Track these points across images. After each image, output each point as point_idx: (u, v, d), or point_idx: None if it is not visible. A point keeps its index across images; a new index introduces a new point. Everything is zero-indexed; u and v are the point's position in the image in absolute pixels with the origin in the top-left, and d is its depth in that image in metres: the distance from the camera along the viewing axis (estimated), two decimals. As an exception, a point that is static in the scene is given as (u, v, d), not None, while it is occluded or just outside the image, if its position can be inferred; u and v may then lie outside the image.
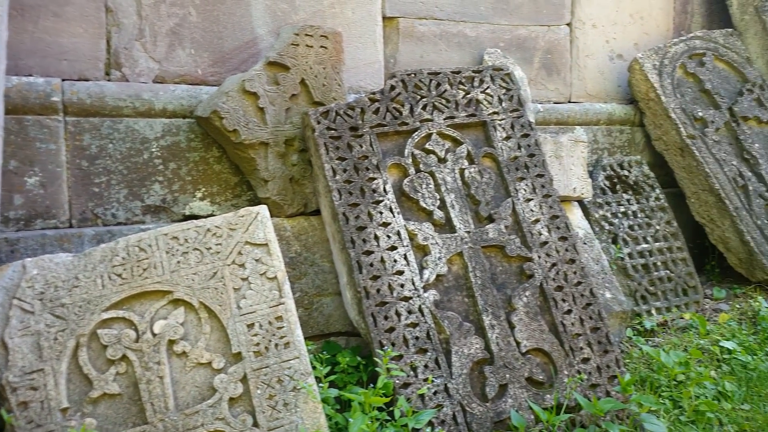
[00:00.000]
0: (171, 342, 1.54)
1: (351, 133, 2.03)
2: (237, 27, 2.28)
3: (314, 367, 1.61)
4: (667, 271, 2.88)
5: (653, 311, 2.77)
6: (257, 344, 1.56)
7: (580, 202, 2.88)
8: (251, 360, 1.55)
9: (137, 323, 1.54)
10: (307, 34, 2.12)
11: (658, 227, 2.96)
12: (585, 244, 2.71)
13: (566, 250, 2.18)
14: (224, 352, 1.57)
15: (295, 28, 2.13)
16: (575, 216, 2.77)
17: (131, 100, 2.03)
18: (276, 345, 1.57)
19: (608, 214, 2.89)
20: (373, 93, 2.14)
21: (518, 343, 1.94)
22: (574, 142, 2.73)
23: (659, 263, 2.87)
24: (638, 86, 3.13)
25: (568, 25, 3.12)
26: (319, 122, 1.99)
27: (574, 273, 2.16)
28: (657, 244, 2.92)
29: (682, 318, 2.77)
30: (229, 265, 1.63)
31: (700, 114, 3.08)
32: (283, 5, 2.31)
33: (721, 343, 2.49)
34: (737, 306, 2.84)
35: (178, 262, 1.60)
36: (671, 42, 3.22)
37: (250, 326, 1.58)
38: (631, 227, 2.90)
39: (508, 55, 2.90)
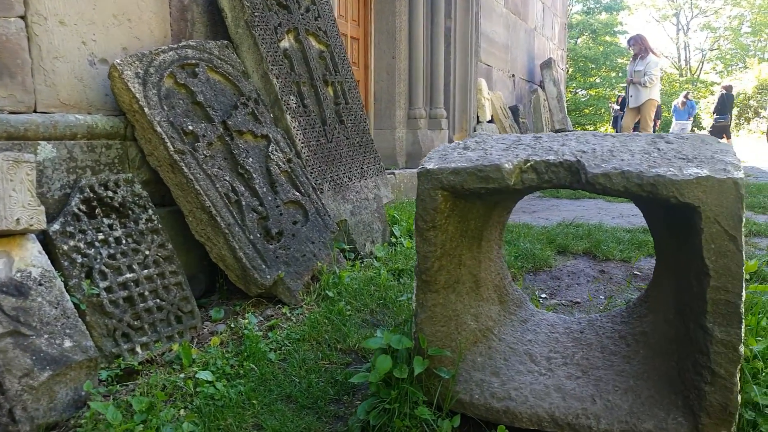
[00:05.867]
0: None
1: None
2: None
3: None
4: (158, 300, 2.63)
5: (138, 348, 2.48)
6: None
7: (46, 233, 2.40)
8: None
9: None
10: None
11: (147, 252, 2.69)
12: (41, 285, 2.24)
13: (-49, 310, 1.66)
14: None
15: None
16: (28, 253, 2.27)
17: None
18: None
19: (82, 245, 2.48)
20: None
21: None
22: (14, 162, 2.22)
23: (147, 293, 2.61)
24: (122, 96, 2.81)
25: (22, 18, 2.58)
26: None
27: (-37, 340, 1.65)
28: (146, 271, 2.65)
29: (171, 350, 2.56)
30: None
31: (191, 128, 2.94)
32: None
33: (198, 375, 2.34)
34: (232, 325, 2.78)
35: None
36: (159, 49, 3.00)
37: None
38: (112, 256, 2.56)
39: None
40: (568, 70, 23.11)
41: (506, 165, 1.87)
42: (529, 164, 1.90)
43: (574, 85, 28.29)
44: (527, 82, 10.70)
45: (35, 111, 2.63)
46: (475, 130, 8.03)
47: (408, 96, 7.20)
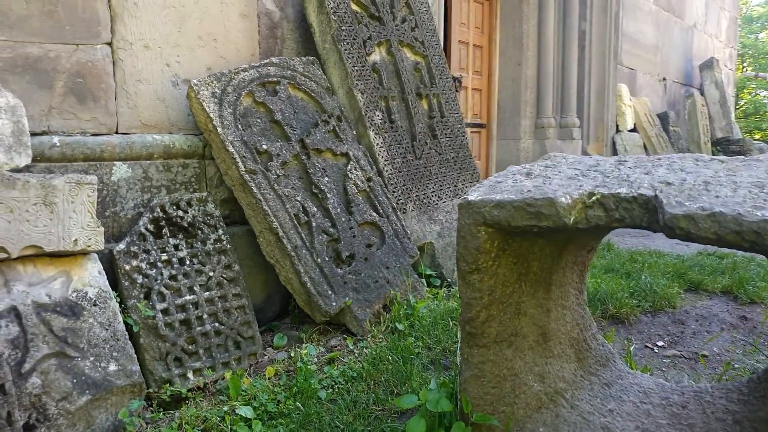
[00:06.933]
0: None
1: None
2: None
3: None
4: (216, 324, 2.57)
5: (190, 374, 2.44)
6: None
7: (112, 252, 2.45)
8: None
9: None
10: None
11: (211, 273, 2.65)
12: (96, 306, 2.27)
13: (-26, 336, 1.68)
14: None
15: None
16: (87, 273, 2.31)
17: None
18: None
19: (144, 265, 2.49)
20: None
21: None
22: (76, 184, 2.27)
23: (206, 315, 2.56)
24: (198, 116, 2.82)
25: (108, 44, 2.67)
26: None
27: (-19, 366, 1.67)
28: (207, 293, 2.60)
29: (224, 378, 2.48)
30: None
31: (265, 147, 2.87)
32: None
33: (238, 410, 2.23)
34: (291, 355, 2.65)
35: None
36: (240, 68, 2.98)
37: None
38: (173, 277, 2.54)
39: (11, 78, 2.36)
40: (745, 69, 20.45)
41: (562, 199, 1.50)
42: (594, 198, 1.51)
43: (753, 86, 25.00)
44: (683, 85, 9.52)
45: (117, 132, 2.72)
46: (613, 141, 7.27)
47: (535, 104, 6.71)
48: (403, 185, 3.31)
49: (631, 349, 2.55)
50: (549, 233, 1.64)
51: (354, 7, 3.39)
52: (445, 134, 3.68)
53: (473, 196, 1.65)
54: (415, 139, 3.49)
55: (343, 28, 3.27)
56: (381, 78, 3.41)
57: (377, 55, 3.47)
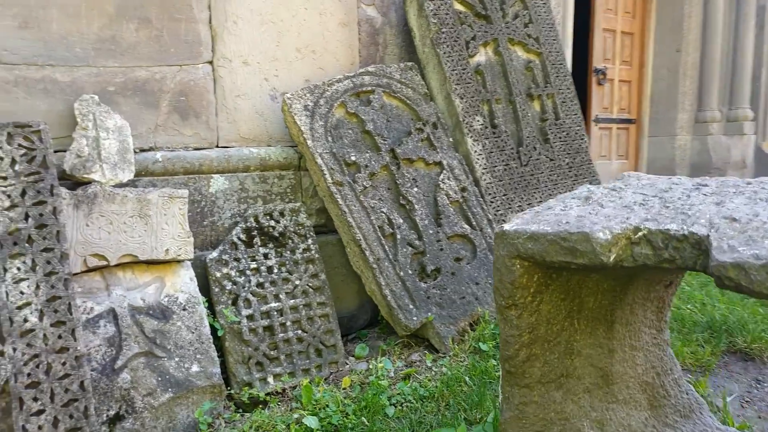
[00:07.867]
0: None
1: None
2: None
3: None
4: (299, 331, 2.65)
5: (270, 378, 2.54)
6: None
7: (206, 261, 2.64)
8: None
9: None
10: None
11: (298, 282, 2.73)
12: (185, 310, 2.46)
13: (59, 337, 1.91)
14: None
15: None
16: (179, 279, 2.51)
17: None
18: None
19: (233, 272, 2.64)
20: None
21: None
22: (169, 198, 2.47)
23: (289, 323, 2.64)
24: (291, 129, 2.92)
25: (209, 63, 2.87)
26: None
27: (63, 364, 1.89)
28: (292, 301, 2.69)
29: (302, 385, 2.54)
30: None
31: (353, 158, 2.88)
32: None
33: (304, 419, 2.27)
34: (370, 366, 2.63)
35: None
36: (333, 79, 3.02)
37: None
38: (260, 285, 2.66)
39: (122, 100, 2.64)
40: None
41: (600, 234, 1.29)
42: (640, 234, 1.28)
43: None
44: None
45: (218, 146, 2.91)
46: (797, 134, 6.17)
47: (696, 95, 5.95)
48: (504, 195, 3.12)
49: (748, 395, 2.15)
50: (599, 269, 1.42)
51: (458, 6, 3.26)
52: (560, 138, 3.40)
53: (510, 224, 1.49)
54: (521, 144, 3.27)
55: (443, 30, 3.16)
56: (484, 80, 3.24)
57: (482, 56, 3.30)
